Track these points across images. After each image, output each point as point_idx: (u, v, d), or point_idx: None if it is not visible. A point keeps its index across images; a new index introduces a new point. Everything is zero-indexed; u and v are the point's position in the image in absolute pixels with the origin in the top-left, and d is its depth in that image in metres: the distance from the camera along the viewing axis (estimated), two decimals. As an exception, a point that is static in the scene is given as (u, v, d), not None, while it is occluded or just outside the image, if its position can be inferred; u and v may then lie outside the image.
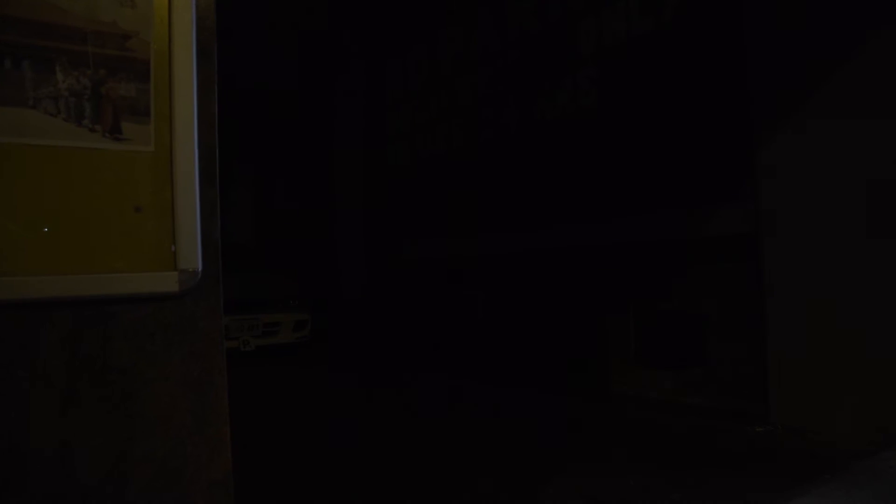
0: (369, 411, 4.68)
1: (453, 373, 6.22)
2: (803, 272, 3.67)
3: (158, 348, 0.99)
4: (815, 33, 3.64)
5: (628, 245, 5.15)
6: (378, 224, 8.58)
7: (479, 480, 2.94)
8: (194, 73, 1.02)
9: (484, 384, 5.65)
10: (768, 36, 3.89)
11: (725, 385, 4.55)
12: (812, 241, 3.64)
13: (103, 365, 0.94)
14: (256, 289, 7.47)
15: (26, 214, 0.91)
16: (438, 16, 7.33)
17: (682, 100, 4.67)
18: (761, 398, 4.03)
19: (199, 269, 1.01)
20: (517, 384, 5.57)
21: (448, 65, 7.20)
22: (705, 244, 4.66)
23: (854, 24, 3.50)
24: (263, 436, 3.77)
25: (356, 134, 8.86)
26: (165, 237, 0.99)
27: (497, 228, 6.46)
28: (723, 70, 4.35)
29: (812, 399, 3.62)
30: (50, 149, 0.91)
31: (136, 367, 0.97)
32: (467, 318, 7.03)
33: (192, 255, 1.00)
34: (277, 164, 11.13)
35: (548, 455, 3.35)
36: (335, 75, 9.21)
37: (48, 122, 0.91)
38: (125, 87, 0.98)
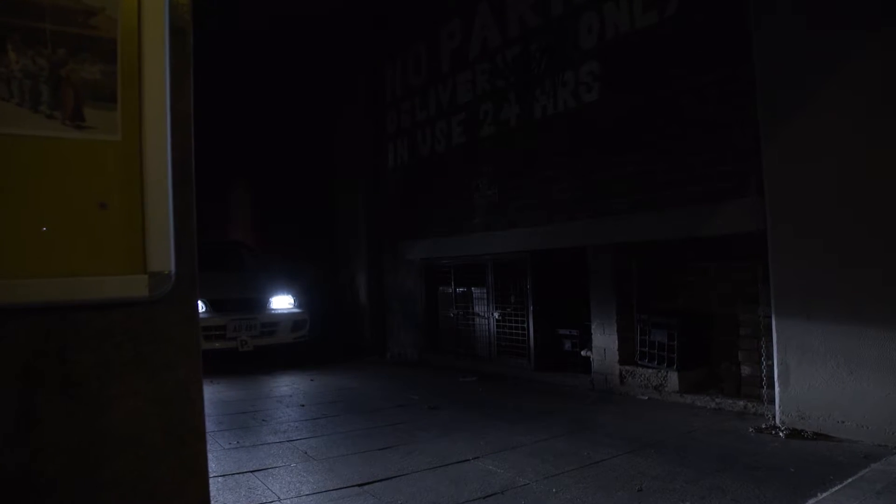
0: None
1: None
2: (810, 271, 3.59)
3: (127, 359, 0.89)
4: (823, 24, 3.55)
5: (631, 244, 5.07)
6: (379, 222, 8.48)
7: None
8: (167, 55, 0.91)
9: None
10: (775, 27, 3.79)
11: (729, 385, 4.47)
12: (820, 239, 3.55)
13: (66, 379, 0.84)
14: (254, 288, 7.37)
15: (-26, 212, 0.81)
16: (438, 13, 7.23)
17: (685, 94, 4.57)
18: (767, 399, 3.95)
19: (172, 272, 0.92)
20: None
21: (448, 62, 7.11)
22: (709, 243, 4.58)
23: (861, 15, 3.40)
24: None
25: (357, 131, 8.76)
26: (134, 236, 0.89)
27: (498, 227, 6.37)
28: (728, 62, 4.26)
29: (819, 400, 3.53)
30: (1, 137, 0.82)
31: (103, 381, 0.87)
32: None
33: (164, 256, 0.90)
34: (277, 162, 11.05)
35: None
36: (335, 75, 9.10)
37: (-1, 108, 0.82)
38: (88, 69, 0.87)
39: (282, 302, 7.41)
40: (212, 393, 5.55)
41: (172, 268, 0.92)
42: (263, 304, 7.24)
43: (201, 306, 6.66)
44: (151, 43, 0.90)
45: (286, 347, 7.41)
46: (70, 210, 0.87)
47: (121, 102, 0.89)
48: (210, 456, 3.53)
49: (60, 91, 0.86)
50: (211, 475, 3.18)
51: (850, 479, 2.78)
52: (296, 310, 7.48)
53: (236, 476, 3.16)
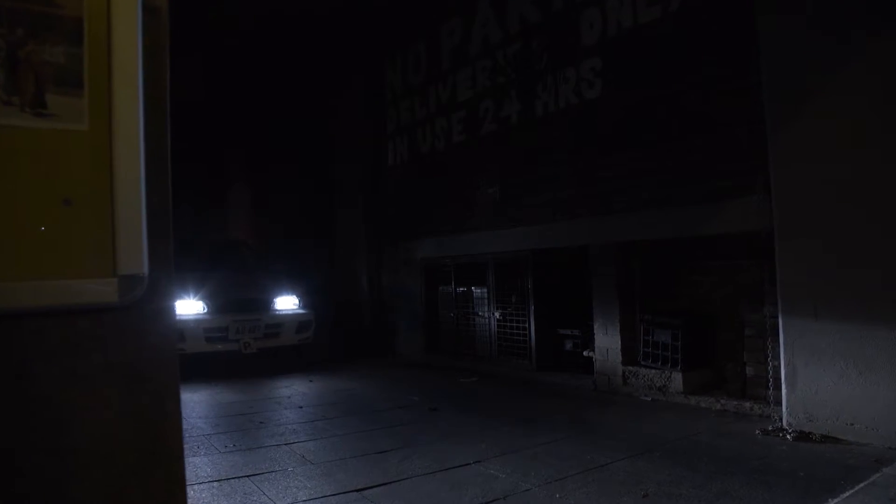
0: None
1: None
2: (818, 270, 3.51)
3: (96, 371, 0.81)
4: (829, 23, 3.47)
5: (633, 243, 4.99)
6: (378, 222, 8.41)
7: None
8: (139, 35, 0.83)
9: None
10: (782, 25, 3.71)
11: (735, 387, 4.40)
12: (829, 239, 3.47)
13: (26, 392, 0.76)
14: (258, 288, 7.09)
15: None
16: (438, 10, 7.15)
17: (690, 91, 4.49)
18: (773, 400, 3.87)
19: (145, 274, 0.83)
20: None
21: (448, 59, 7.03)
22: (714, 242, 4.50)
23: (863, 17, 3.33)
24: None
25: (356, 130, 8.68)
26: (103, 236, 0.81)
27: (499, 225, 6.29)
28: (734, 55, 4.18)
29: (828, 402, 3.45)
30: (-48, 126, 0.74)
31: (69, 395, 0.79)
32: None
33: (135, 256, 0.82)
34: (277, 162, 10.97)
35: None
36: (335, 74, 9.01)
37: (-50, 93, 0.74)
38: (51, 50, 0.79)
39: (286, 302, 7.08)
40: (209, 395, 5.48)
41: (146, 270, 0.84)
42: (267, 304, 6.93)
43: (202, 307, 6.40)
44: (122, 22, 0.82)
45: (288, 349, 7.11)
46: (31, 207, 0.78)
47: (88, 88, 0.81)
48: (206, 460, 3.46)
49: (19, 75, 0.78)
50: (206, 480, 3.12)
51: (861, 485, 2.71)
52: (300, 310, 7.14)
53: (231, 481, 3.08)
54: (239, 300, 6.75)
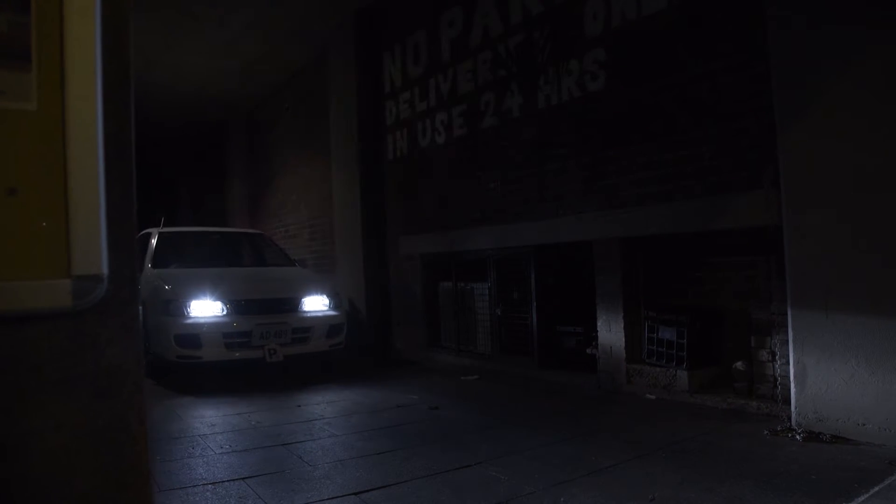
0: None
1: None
2: (828, 266, 3.41)
3: (48, 386, 0.71)
4: (837, 13, 3.36)
5: (638, 238, 4.89)
6: (378, 218, 8.30)
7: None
8: (97, 1, 0.73)
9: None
10: (791, 13, 3.60)
11: (741, 385, 4.31)
12: (840, 233, 3.37)
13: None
14: (283, 287, 6.41)
15: None
16: (437, 1, 7.03)
17: (696, 82, 4.39)
18: (782, 399, 3.79)
19: (105, 274, 0.73)
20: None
21: (448, 51, 6.91)
22: (720, 238, 4.41)
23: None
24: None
25: (355, 124, 8.56)
26: (54, 230, 0.71)
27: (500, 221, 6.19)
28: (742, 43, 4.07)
29: (838, 401, 3.36)
30: None
31: (16, 413, 0.69)
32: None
33: (93, 255, 0.71)
34: (276, 159, 10.89)
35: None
36: (333, 68, 8.90)
37: None
38: (-9, 18, 0.70)
39: (315, 303, 6.32)
40: (205, 395, 5.39)
41: (105, 269, 0.74)
42: (295, 305, 6.18)
43: (221, 308, 5.75)
44: (76, -13, 0.72)
45: (320, 357, 6.35)
46: (-32, 197, 0.69)
47: (36, 61, 0.71)
48: (200, 461, 3.38)
49: (-46, 46, 0.68)
50: (200, 483, 3.04)
51: (876, 488, 2.62)
52: (331, 312, 6.37)
53: (226, 484, 3.00)
54: (263, 300, 6.00)
